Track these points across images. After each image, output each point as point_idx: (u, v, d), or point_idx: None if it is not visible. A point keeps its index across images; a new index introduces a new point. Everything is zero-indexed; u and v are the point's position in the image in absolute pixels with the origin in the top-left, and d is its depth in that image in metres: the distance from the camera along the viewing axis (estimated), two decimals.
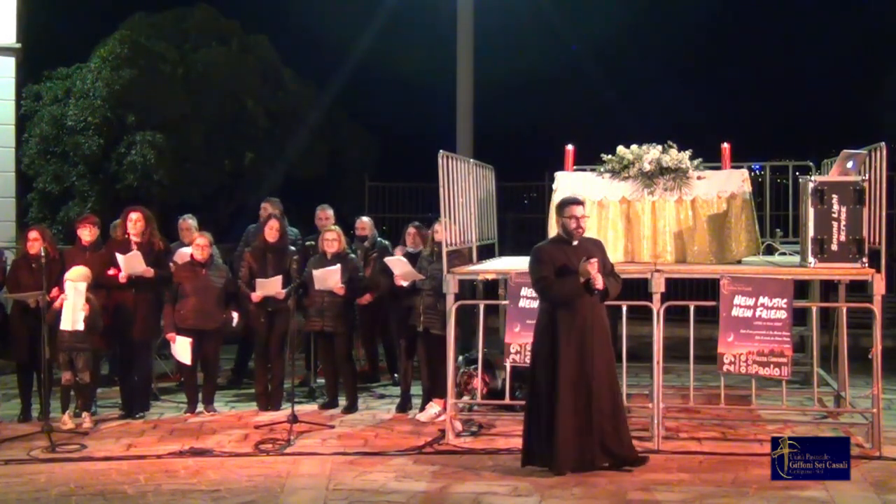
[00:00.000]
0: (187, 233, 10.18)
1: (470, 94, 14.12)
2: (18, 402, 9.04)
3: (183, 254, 9.52)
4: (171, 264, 9.34)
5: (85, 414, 8.58)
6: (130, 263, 8.74)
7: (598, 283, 6.92)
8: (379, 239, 10.48)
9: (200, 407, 9.15)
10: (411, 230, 9.66)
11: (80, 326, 8.36)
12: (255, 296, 9.11)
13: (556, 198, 8.72)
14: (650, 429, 7.73)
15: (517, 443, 7.78)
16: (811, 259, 7.75)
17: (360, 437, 8.18)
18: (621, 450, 6.99)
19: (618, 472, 6.96)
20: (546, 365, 6.95)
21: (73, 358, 8.46)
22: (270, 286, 9.02)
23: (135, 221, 8.95)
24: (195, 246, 9.18)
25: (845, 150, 8.00)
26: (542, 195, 14.75)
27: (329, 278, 8.95)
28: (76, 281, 8.39)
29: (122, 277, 8.76)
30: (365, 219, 10.60)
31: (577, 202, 7.20)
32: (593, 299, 6.98)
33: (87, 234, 9.18)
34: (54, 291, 8.49)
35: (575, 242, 7.09)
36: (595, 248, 7.16)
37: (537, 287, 7.04)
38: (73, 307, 8.34)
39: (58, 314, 8.34)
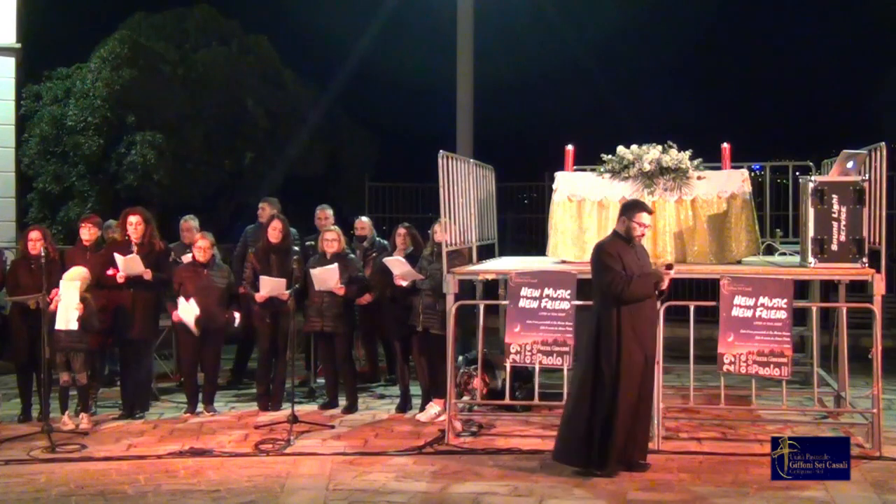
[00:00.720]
0: (189, 233, 10.17)
1: (470, 94, 14.11)
2: (18, 403, 9.05)
3: (189, 257, 9.52)
4: (175, 266, 9.34)
5: (83, 415, 8.58)
6: (129, 265, 8.74)
7: (665, 284, 7.10)
8: (378, 239, 10.48)
9: (200, 407, 9.14)
10: (401, 231, 9.41)
11: (74, 326, 8.36)
12: (259, 296, 9.10)
13: (552, 193, 8.76)
14: (650, 429, 7.73)
15: (517, 443, 7.80)
16: (811, 259, 7.75)
17: (360, 438, 8.18)
18: (633, 452, 6.99)
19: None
20: (612, 364, 6.85)
21: (70, 358, 8.46)
22: (275, 285, 9.02)
23: (135, 225, 8.94)
24: (196, 247, 9.18)
25: (845, 150, 8.00)
26: (541, 195, 14.75)
27: (329, 278, 8.95)
28: (72, 281, 8.40)
29: (120, 277, 8.76)
30: (364, 219, 10.59)
31: (649, 210, 7.27)
32: (653, 301, 7.11)
33: (86, 233, 9.20)
34: (53, 293, 8.48)
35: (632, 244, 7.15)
36: (644, 253, 7.34)
37: (613, 283, 6.88)
38: (67, 307, 8.34)
39: (53, 315, 8.34)
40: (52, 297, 8.41)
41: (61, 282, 8.40)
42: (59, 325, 8.34)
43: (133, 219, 8.97)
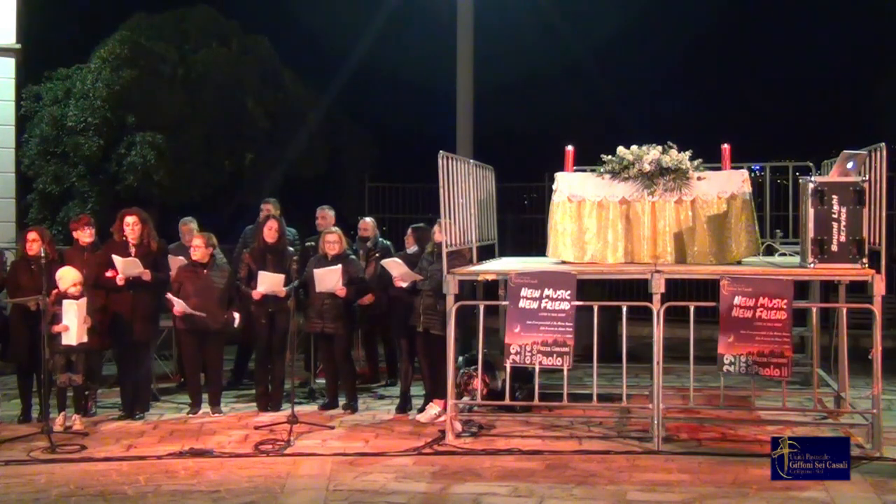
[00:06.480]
0: (188, 235, 10.17)
1: (470, 94, 14.11)
2: (18, 403, 9.05)
3: (178, 260, 9.50)
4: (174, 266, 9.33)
5: (75, 416, 8.55)
6: (127, 267, 8.73)
7: None
8: (381, 239, 10.48)
9: (206, 408, 9.12)
10: (409, 231, 9.59)
11: (86, 339, 8.36)
12: (256, 293, 9.10)
13: (552, 194, 8.76)
14: (650, 429, 7.74)
15: (517, 443, 7.81)
16: (811, 260, 7.75)
17: (360, 438, 8.18)
18: None
19: (618, 471, 6.97)
20: None
21: (73, 359, 8.44)
22: (272, 281, 9.01)
23: (132, 225, 8.93)
24: (193, 247, 9.18)
25: (845, 151, 8.00)
26: (542, 196, 14.74)
27: (330, 279, 8.94)
28: (69, 289, 8.33)
29: (120, 280, 8.76)
30: (368, 219, 10.62)
31: None
32: None
33: (85, 235, 9.18)
34: (53, 295, 8.43)
35: None
36: None
37: None
38: (78, 326, 8.31)
39: (54, 317, 8.26)
40: (51, 299, 8.34)
41: (64, 302, 8.30)
42: (70, 341, 8.29)
43: (130, 219, 8.96)
